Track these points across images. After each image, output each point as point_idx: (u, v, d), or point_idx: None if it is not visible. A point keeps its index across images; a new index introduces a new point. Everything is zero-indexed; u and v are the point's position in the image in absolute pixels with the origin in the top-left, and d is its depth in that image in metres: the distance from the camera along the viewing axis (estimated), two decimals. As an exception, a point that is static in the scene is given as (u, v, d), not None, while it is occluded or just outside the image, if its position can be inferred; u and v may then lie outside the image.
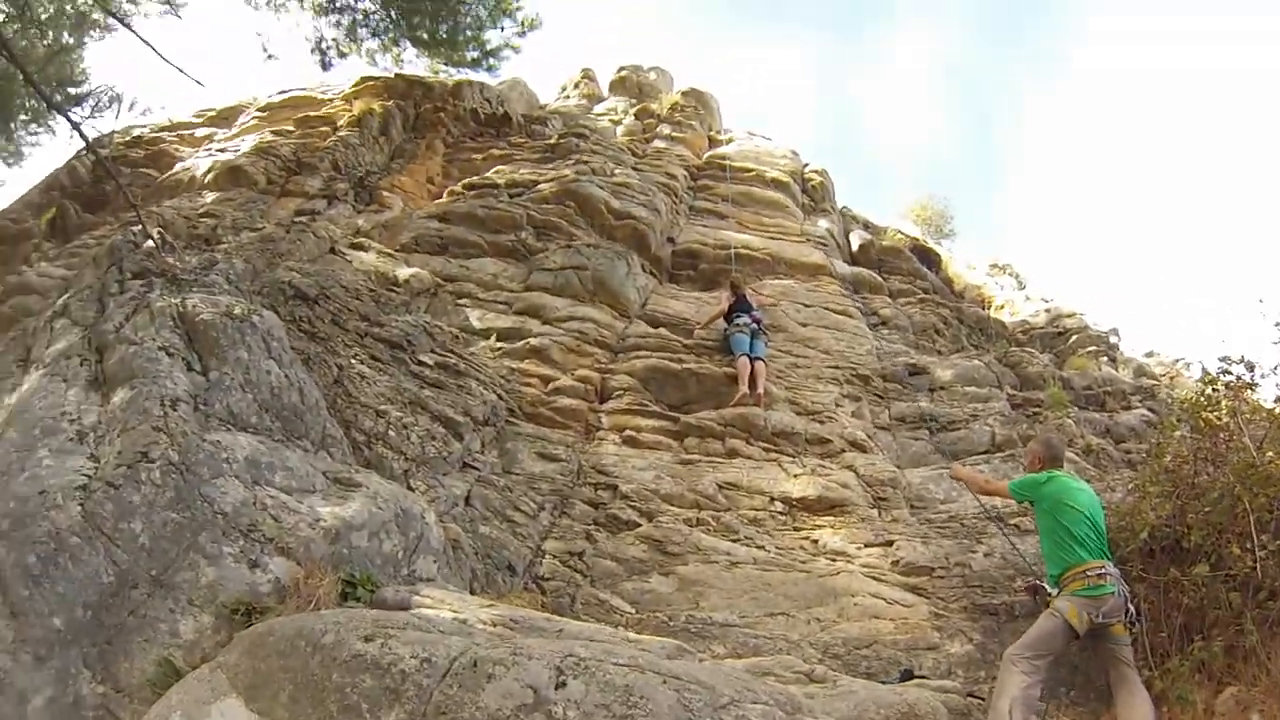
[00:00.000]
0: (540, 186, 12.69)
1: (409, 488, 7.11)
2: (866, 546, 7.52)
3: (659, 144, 14.62)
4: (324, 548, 5.12)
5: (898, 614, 6.90)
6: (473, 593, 6.45)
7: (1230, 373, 6.57)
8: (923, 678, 5.94)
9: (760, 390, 8.95)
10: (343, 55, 16.94)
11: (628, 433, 8.80)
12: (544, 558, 7.42)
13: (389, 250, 11.64)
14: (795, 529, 7.74)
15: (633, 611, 6.97)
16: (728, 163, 14.07)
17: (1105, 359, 11.76)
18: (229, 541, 4.78)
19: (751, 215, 13.02)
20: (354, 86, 16.96)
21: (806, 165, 14.72)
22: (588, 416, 9.11)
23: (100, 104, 15.61)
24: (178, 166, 14.27)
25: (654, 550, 7.42)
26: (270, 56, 16.03)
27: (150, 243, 10.73)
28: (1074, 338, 12.33)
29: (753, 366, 9.15)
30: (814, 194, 14.05)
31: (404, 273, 10.75)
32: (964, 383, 9.99)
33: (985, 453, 9.11)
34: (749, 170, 13.95)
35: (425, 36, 16.01)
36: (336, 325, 8.47)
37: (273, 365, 6.28)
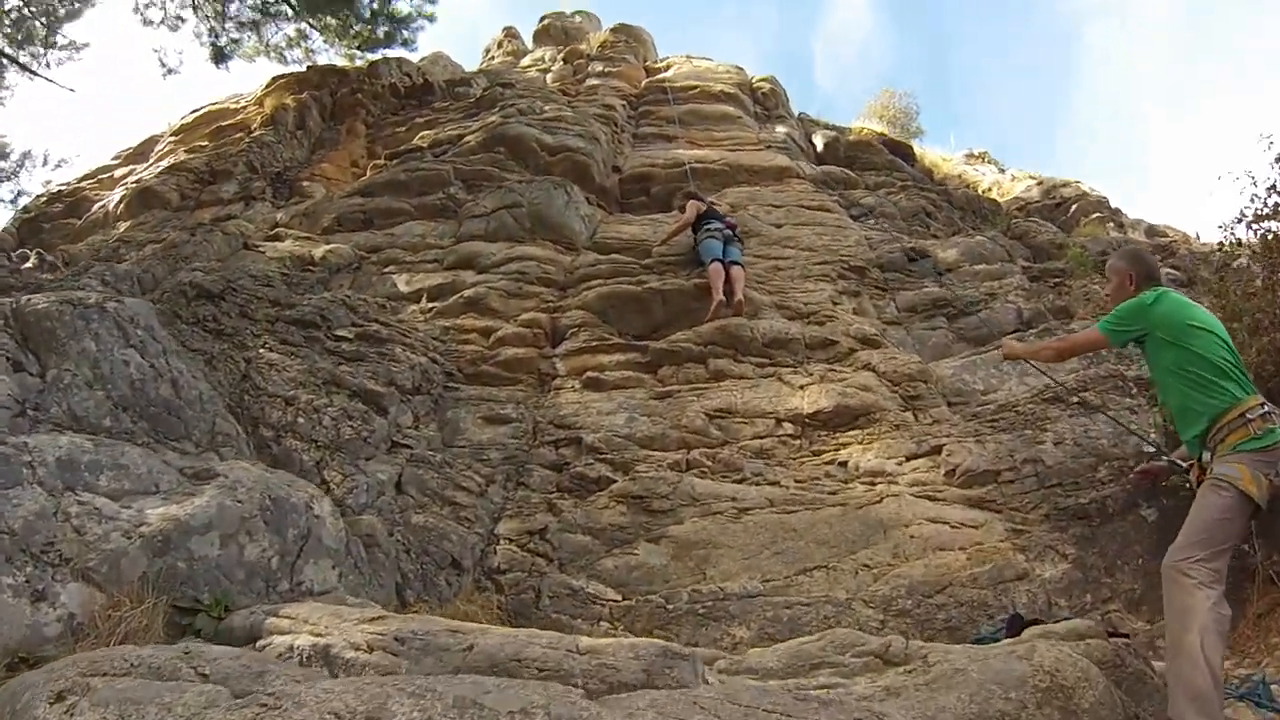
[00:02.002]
0: (466, 139, 10.27)
1: (322, 482, 4.98)
2: (910, 459, 5.22)
3: (592, 82, 12.20)
4: (143, 563, 3.45)
5: (968, 539, 4.62)
6: (404, 603, 4.52)
7: None
8: (1036, 621, 3.67)
9: (739, 297, 6.58)
10: (250, 58, 14.80)
11: (589, 374, 6.45)
12: (498, 544, 5.16)
13: (308, 235, 9.30)
14: (815, 453, 5.41)
15: (618, 598, 4.71)
16: (667, 82, 11.69)
17: (1112, 224, 9.51)
18: (13, 569, 3.23)
19: (702, 132, 10.61)
20: (266, 88, 14.58)
21: (754, 77, 12.33)
22: (539, 365, 6.74)
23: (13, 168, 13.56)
24: (95, 208, 12.03)
25: (636, 510, 5.11)
26: (170, 71, 13.99)
27: (28, 264, 8.48)
28: (1074, 207, 10.08)
29: (728, 272, 6.77)
30: (766, 102, 11.64)
31: (319, 250, 8.39)
32: (972, 261, 7.67)
33: (1015, 332, 6.80)
34: (693, 87, 11.54)
35: (331, 21, 13.74)
36: (245, 317, 6.31)
37: (133, 355, 4.48)
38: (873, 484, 5.03)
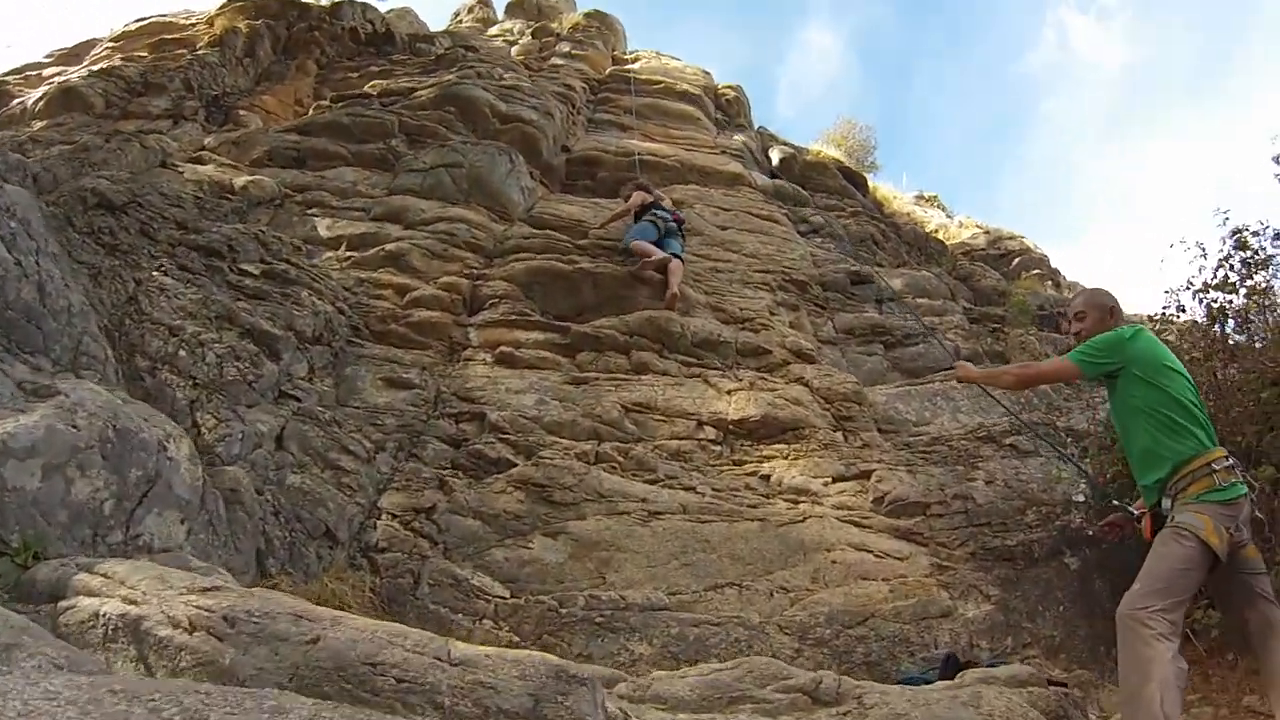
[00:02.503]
0: (418, 94, 9.58)
1: (193, 424, 4.31)
2: (837, 481, 4.83)
3: (557, 61, 11.65)
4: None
5: (892, 571, 4.25)
6: (264, 573, 3.90)
7: (1248, 246, 5.00)
8: (971, 663, 3.31)
9: (674, 291, 6.14)
10: None
11: (503, 349, 5.86)
12: (380, 518, 4.50)
13: (234, 164, 8.45)
14: (736, 462, 4.97)
15: (506, 594, 4.15)
16: (632, 74, 11.24)
17: (1050, 283, 9.53)
18: None
19: (659, 127, 10.18)
20: (220, 8, 13.51)
21: (720, 84, 12.00)
22: (452, 332, 6.12)
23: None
24: (13, 103, 10.76)
25: (535, 500, 4.55)
26: None
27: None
28: (1017, 260, 10.09)
29: (667, 263, 6.33)
30: (729, 109, 11.31)
31: (241, 180, 7.57)
32: (916, 293, 7.44)
33: (948, 369, 6.56)
34: (657, 83, 11.11)
35: None
36: (145, 235, 5.58)
37: (-3, 245, 3.73)
38: (795, 502, 4.61)
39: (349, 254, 6.75)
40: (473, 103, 9.19)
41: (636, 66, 11.94)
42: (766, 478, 4.79)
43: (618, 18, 13.35)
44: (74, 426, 3.15)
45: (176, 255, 5.57)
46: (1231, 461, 2.93)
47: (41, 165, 6.55)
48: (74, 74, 11.43)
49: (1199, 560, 2.73)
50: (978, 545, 4.56)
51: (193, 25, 13.21)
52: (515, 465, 4.79)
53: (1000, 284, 8.28)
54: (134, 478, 3.29)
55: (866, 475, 4.90)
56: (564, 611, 3.94)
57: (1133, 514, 3.26)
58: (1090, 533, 4.56)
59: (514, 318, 6.19)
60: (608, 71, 11.73)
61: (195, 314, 5.03)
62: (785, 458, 4.96)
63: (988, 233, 10.76)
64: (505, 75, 10.19)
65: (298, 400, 5.11)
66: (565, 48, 12.00)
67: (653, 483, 4.65)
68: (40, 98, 9.98)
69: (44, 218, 4.52)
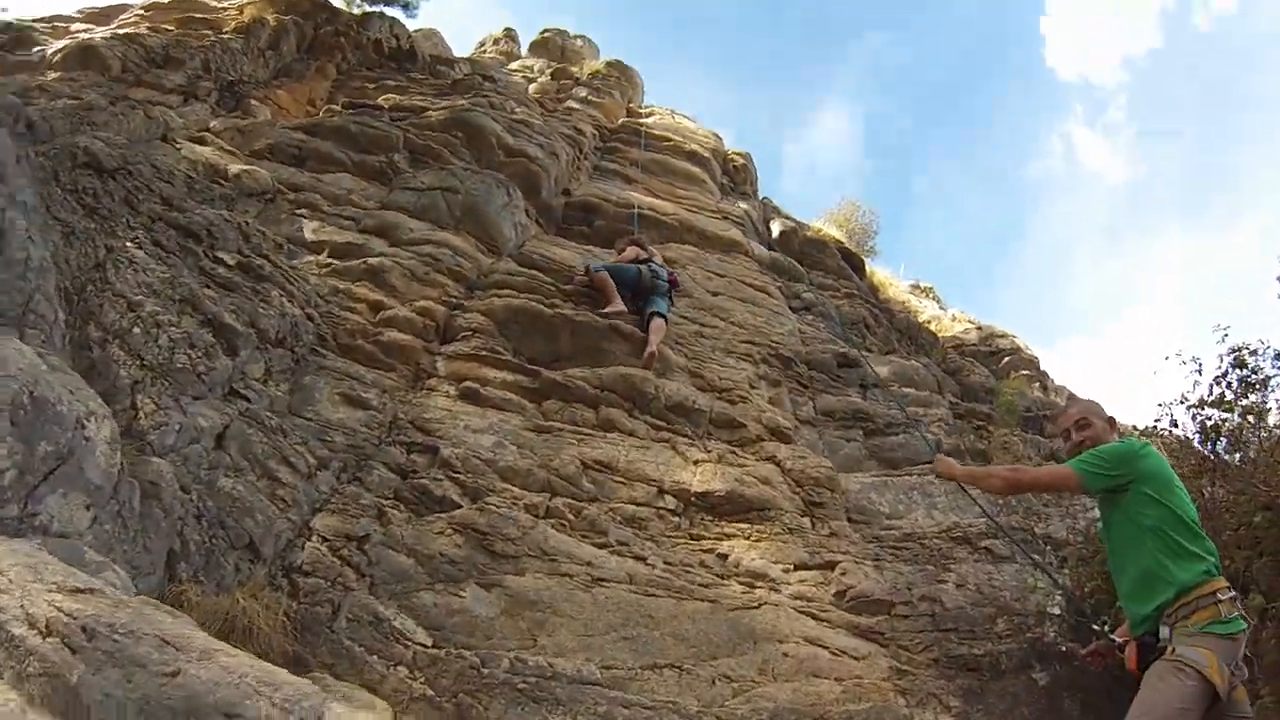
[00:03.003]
0: (429, 114, 9.55)
1: (132, 405, 4.04)
2: (798, 569, 4.56)
3: (572, 104, 11.69)
4: None
5: (847, 670, 3.95)
6: (173, 577, 3.57)
7: (1245, 365, 4.90)
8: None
9: (653, 350, 5.95)
10: None
11: (468, 384, 5.61)
12: (310, 538, 4.17)
13: (233, 151, 8.31)
14: (694, 536, 4.69)
15: (428, 643, 3.80)
16: (644, 127, 11.26)
17: (1038, 385, 9.43)
18: None
19: (664, 184, 10.13)
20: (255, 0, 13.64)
21: (730, 150, 12.06)
22: (420, 358, 5.86)
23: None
24: (34, 50, 10.66)
25: (474, 546, 4.25)
26: None
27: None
28: (1006, 359, 9.99)
29: (650, 321, 6.17)
30: (735, 175, 11.32)
31: (236, 168, 7.40)
32: (902, 382, 7.29)
33: (928, 463, 6.37)
34: (667, 140, 11.11)
35: None
36: (128, 205, 5.33)
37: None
38: (752, 586, 4.32)
39: (330, 261, 6.51)
40: (481, 131, 9.12)
41: (650, 121, 11.99)
42: (724, 557, 4.51)
43: (638, 70, 13.50)
44: (-16, 384, 2.87)
45: (154, 230, 5.30)
46: (1234, 593, 2.70)
47: (41, 114, 6.30)
48: (98, 33, 11.37)
49: (1199, 699, 2.47)
50: (942, 651, 4.29)
51: (224, 8, 13.22)
52: (460, 507, 4.50)
53: (988, 381, 8.16)
54: (42, 451, 3.01)
55: (830, 566, 4.63)
56: (485, 671, 3.61)
57: (1114, 641, 3.02)
58: (1063, 649, 4.32)
59: (485, 354, 5.95)
60: (620, 122, 11.77)
61: (159, 292, 4.73)
62: (746, 538, 4.69)
63: (980, 328, 10.70)
64: (517, 109, 10.18)
65: (247, 401, 4.78)
66: (582, 93, 12.07)
67: (602, 546, 4.36)
68: (59, 50, 9.84)
69: (29, 167, 4.35)
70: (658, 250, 8.05)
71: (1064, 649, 4.18)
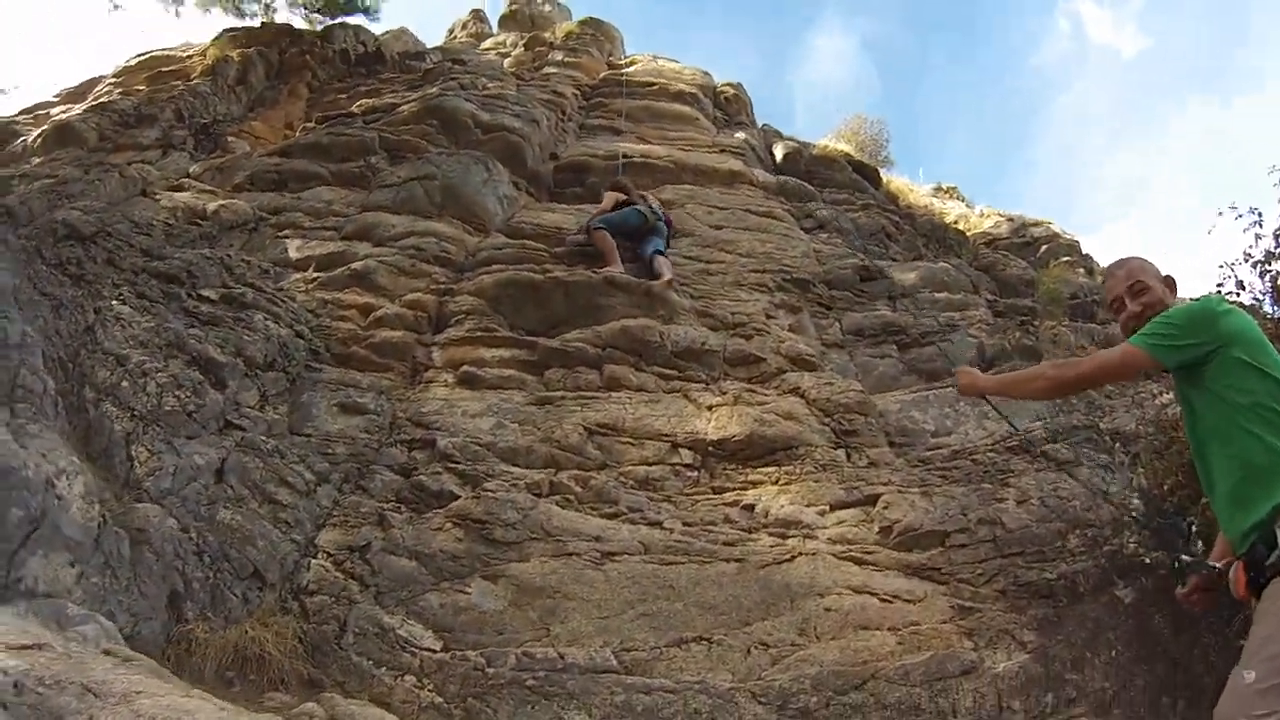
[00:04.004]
0: (400, 109, 9.09)
1: (127, 458, 3.95)
2: (835, 509, 4.00)
3: (549, 69, 11.04)
4: None
5: (901, 617, 3.40)
6: (180, 618, 3.41)
7: None
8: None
9: (668, 276, 5.68)
10: (205, 8, 13.80)
11: (466, 369, 5.18)
12: (315, 556, 3.89)
13: (212, 190, 8.07)
14: (715, 490, 4.16)
15: (436, 646, 3.42)
16: (625, 77, 10.55)
17: (1082, 269, 8.55)
18: None
19: (654, 129, 9.44)
20: (215, 40, 13.42)
21: (719, 83, 11.26)
22: (415, 352, 5.48)
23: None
24: (16, 142, 10.66)
25: (474, 538, 3.82)
26: (116, 6, 12.97)
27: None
28: (1044, 247, 9.07)
29: (653, 259, 5.87)
30: (728, 107, 10.53)
31: (213, 205, 7.14)
32: (932, 288, 6.56)
33: (976, 368, 5.70)
34: (651, 85, 10.38)
35: None
36: (111, 264, 5.26)
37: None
38: (784, 537, 3.78)
39: (316, 275, 6.19)
40: (454, 114, 8.63)
41: (632, 70, 11.26)
42: (750, 508, 3.97)
43: (614, 24, 12.68)
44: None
45: (137, 283, 5.20)
46: None
47: (19, 199, 6.27)
48: (74, 111, 11.28)
49: None
50: (1009, 580, 3.68)
51: (189, 56, 13.05)
52: (458, 498, 4.08)
53: (1027, 273, 7.35)
54: (15, 519, 2.99)
55: (872, 501, 4.06)
56: (491, 671, 3.19)
57: (1213, 568, 2.20)
58: (1147, 560, 3.67)
59: (479, 334, 5.51)
60: (601, 77, 11.09)
61: (146, 343, 4.68)
62: (774, 482, 4.14)
63: (1011, 220, 9.73)
64: (490, 85, 9.62)
65: (243, 430, 4.57)
66: (558, 56, 11.39)
67: (612, 517, 3.87)
68: (38, 135, 9.83)
69: (8, 251, 4.52)
70: (654, 194, 7.48)
71: (1148, 560, 3.51)
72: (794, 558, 3.61)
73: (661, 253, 5.98)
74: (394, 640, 3.47)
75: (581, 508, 3.94)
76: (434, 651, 3.40)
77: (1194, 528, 2.46)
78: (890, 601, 3.45)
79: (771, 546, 3.70)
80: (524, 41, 12.25)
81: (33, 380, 3.76)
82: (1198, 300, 2.26)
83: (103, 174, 7.76)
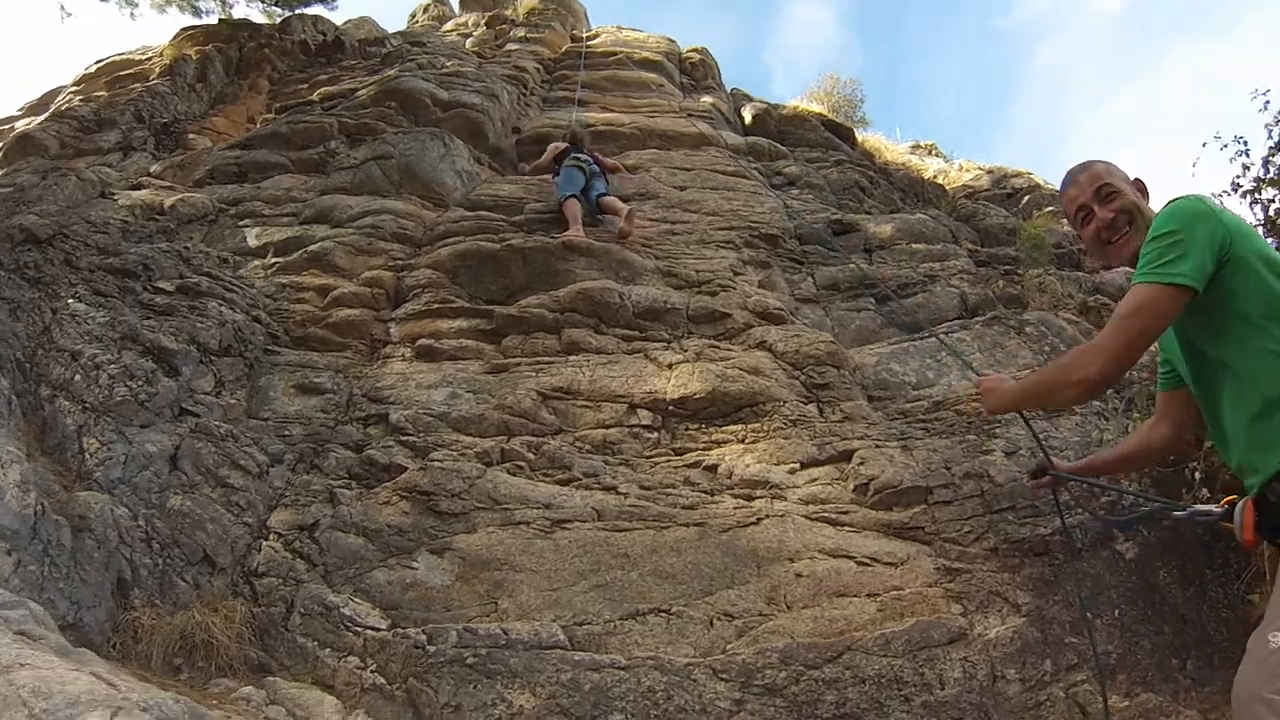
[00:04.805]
0: (358, 94, 8.69)
1: (79, 450, 3.88)
2: (806, 467, 3.59)
3: (511, 46, 10.55)
4: None
5: (881, 582, 3.00)
6: (127, 605, 3.26)
7: None
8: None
9: (627, 220, 5.51)
10: (160, 8, 13.32)
11: (423, 342, 4.81)
12: (267, 538, 3.63)
13: (171, 186, 7.71)
14: (676, 452, 3.74)
15: (382, 624, 3.03)
16: (588, 49, 10.05)
17: (1065, 220, 8.08)
18: None
19: (619, 98, 8.98)
20: (173, 40, 12.93)
21: (685, 49, 10.75)
22: (373, 329, 5.14)
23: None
24: None
25: (420, 510, 3.44)
26: (68, 15, 12.57)
27: None
28: (1026, 198, 8.61)
29: (600, 201, 5.79)
30: (694, 73, 10.01)
31: (170, 200, 6.78)
32: (910, 239, 6.13)
33: (958, 318, 5.30)
34: (614, 54, 9.89)
35: None
36: (68, 265, 5.17)
37: None
38: (749, 498, 3.37)
39: (274, 260, 5.89)
40: (412, 94, 8.25)
41: (595, 42, 10.77)
42: (713, 469, 3.55)
43: (579, -1, 12.19)
44: None
45: (94, 280, 5.09)
46: None
47: None
48: (35, 121, 10.86)
49: None
50: (999, 538, 3.28)
51: (147, 59, 12.61)
52: (405, 469, 3.69)
53: (1009, 222, 6.88)
54: None
55: (846, 457, 3.64)
56: (431, 649, 2.81)
57: (1211, 514, 1.72)
58: (1149, 510, 3.26)
59: (436, 306, 5.13)
60: (564, 49, 10.60)
61: (100, 337, 4.56)
62: (741, 441, 3.72)
63: (991, 173, 9.20)
64: (448, 63, 9.18)
65: (196, 416, 4.40)
66: (520, 33, 10.91)
67: (566, 483, 3.46)
68: (0, 149, 9.45)
69: None
70: (619, 159, 7.07)
71: (1149, 511, 3.09)
72: (759, 520, 3.20)
73: (605, 194, 5.86)
74: (338, 620, 3.14)
75: (534, 475, 3.53)
76: (377, 630, 3.04)
77: (1197, 474, 2.06)
78: (868, 565, 3.04)
79: (736, 509, 3.28)
80: (485, 20, 11.74)
81: (-14, 378, 3.65)
82: (1174, 201, 1.73)
83: (60, 178, 7.51)
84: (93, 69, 13.71)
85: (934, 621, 2.84)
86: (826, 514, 3.30)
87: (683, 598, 2.89)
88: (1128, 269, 1.94)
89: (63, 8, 12.51)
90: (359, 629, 3.07)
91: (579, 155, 6.10)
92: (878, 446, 3.73)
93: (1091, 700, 2.81)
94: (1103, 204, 1.90)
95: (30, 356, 4.33)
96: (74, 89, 12.63)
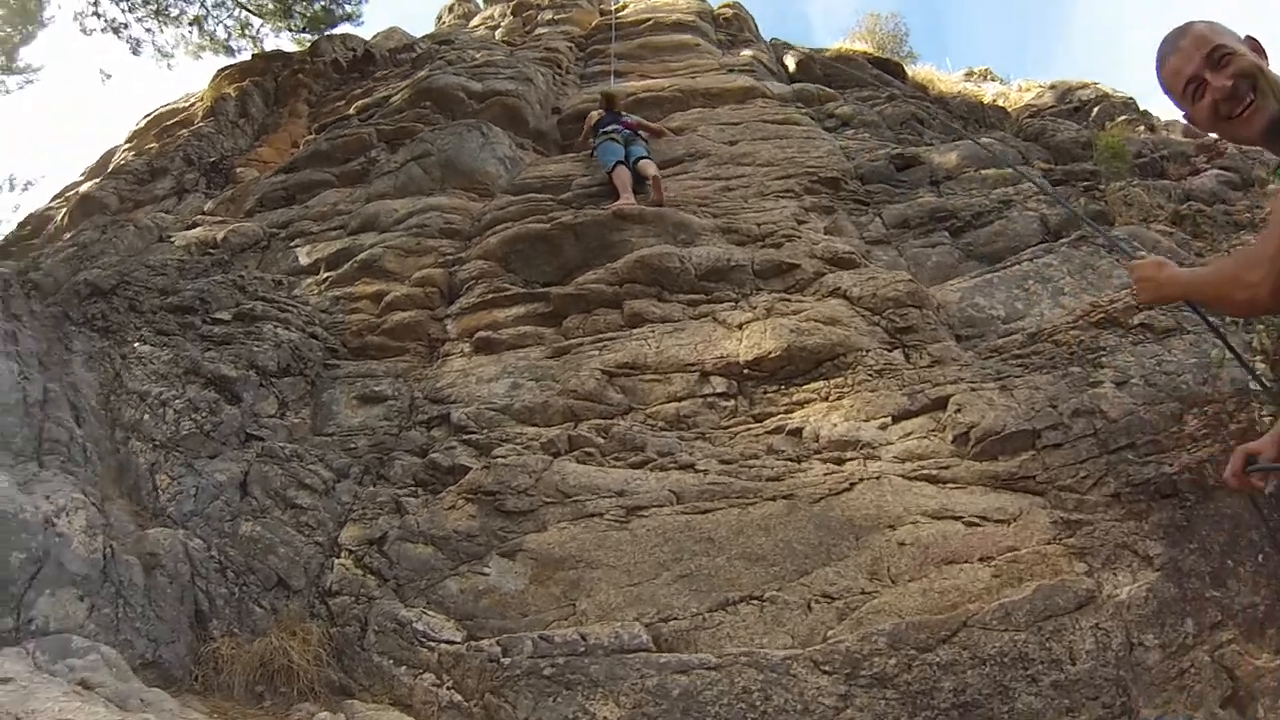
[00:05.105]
0: (393, 99, 8.59)
1: (153, 489, 3.82)
2: (899, 420, 3.23)
3: (541, 31, 10.28)
4: None
5: (992, 544, 2.62)
6: (206, 637, 3.17)
7: None
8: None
9: (660, 189, 5.16)
10: (195, 55, 13.62)
11: (481, 334, 4.61)
12: (339, 555, 3.48)
13: (224, 220, 7.81)
14: (756, 418, 3.43)
15: (457, 639, 2.85)
16: (617, 20, 9.67)
17: (1142, 127, 7.32)
18: None
19: (656, 64, 8.59)
20: (212, 82, 13.20)
21: (717, 5, 10.24)
22: (430, 329, 4.98)
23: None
24: (49, 226, 10.72)
25: (487, 512, 3.23)
26: (107, 77, 13.13)
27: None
28: (1096, 110, 7.80)
29: (637, 166, 5.45)
30: (729, 28, 9.53)
31: (221, 232, 6.82)
32: (978, 165, 5.60)
33: (1040, 243, 4.77)
34: (646, 21, 9.49)
35: (268, 3, 12.28)
36: (133, 310, 5.22)
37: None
38: (840, 462, 3.04)
39: (326, 275, 5.80)
40: (445, 91, 8.08)
41: (626, 12, 10.36)
42: (797, 433, 3.23)
43: (601, -27, 11.78)
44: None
45: (156, 321, 5.17)
46: None
47: (45, 273, 6.20)
48: (93, 181, 11.24)
49: None
50: (1121, 482, 2.85)
51: (191, 105, 12.88)
52: (469, 470, 3.50)
53: (1081, 135, 6.23)
54: (16, 562, 2.96)
55: (941, 405, 3.25)
56: (507, 661, 2.60)
57: None
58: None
59: (491, 296, 4.93)
60: (594, 24, 10.24)
61: (165, 375, 4.61)
62: (824, 399, 3.38)
63: (1054, 88, 8.33)
64: (478, 55, 8.97)
65: (262, 440, 4.31)
66: (548, 16, 10.62)
67: (638, 466, 3.20)
68: (64, 213, 9.79)
69: (33, 321, 4.66)
70: (663, 123, 6.73)
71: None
72: (854, 485, 2.87)
73: (645, 156, 5.62)
74: (411, 635, 2.97)
75: (604, 460, 3.29)
76: (452, 644, 2.85)
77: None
78: (978, 525, 2.68)
79: (826, 475, 2.96)
80: (510, 9, 11.48)
81: (58, 431, 3.77)
82: None
83: (118, 230, 7.67)
84: (142, 123, 14.10)
85: (1057, 585, 2.46)
86: (926, 471, 2.94)
87: (776, 581, 2.60)
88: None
89: (101, 70, 12.90)
90: (433, 644, 2.89)
91: (608, 127, 5.91)
92: (974, 390, 3.33)
93: (1240, 662, 2.40)
94: (1217, 71, 1.46)
95: (105, 403, 4.37)
96: (127, 146, 13.02)
